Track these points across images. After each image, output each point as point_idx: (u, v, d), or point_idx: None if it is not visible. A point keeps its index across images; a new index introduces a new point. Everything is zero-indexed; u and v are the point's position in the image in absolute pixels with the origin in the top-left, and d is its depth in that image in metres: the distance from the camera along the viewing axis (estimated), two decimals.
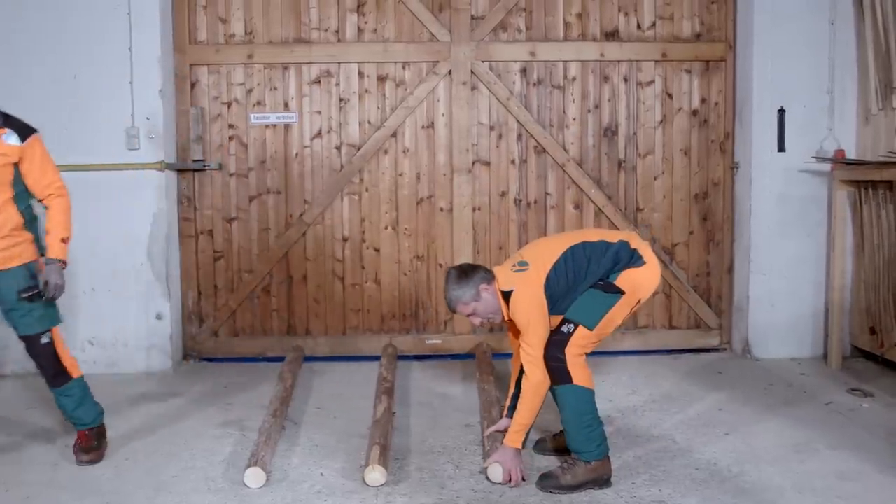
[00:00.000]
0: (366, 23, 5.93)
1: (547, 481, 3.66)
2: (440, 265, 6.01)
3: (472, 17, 5.92)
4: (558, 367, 3.63)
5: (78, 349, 5.61)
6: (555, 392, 3.71)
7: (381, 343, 5.95)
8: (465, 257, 5.95)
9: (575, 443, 3.68)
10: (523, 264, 3.77)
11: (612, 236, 3.84)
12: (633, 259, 3.73)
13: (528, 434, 3.79)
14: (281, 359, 5.64)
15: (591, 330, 3.65)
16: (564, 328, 3.66)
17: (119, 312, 5.63)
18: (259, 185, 5.95)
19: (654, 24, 5.98)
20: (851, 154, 5.72)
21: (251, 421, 4.57)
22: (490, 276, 3.81)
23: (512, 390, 4.05)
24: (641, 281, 3.74)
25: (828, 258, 5.77)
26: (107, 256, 5.60)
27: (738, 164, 5.97)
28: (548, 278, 3.72)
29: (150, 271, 5.63)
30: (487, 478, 3.73)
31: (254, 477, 3.68)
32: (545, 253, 3.80)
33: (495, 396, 4.68)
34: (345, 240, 6.00)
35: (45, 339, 4.03)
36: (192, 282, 5.96)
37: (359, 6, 5.91)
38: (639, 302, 3.80)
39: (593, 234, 3.87)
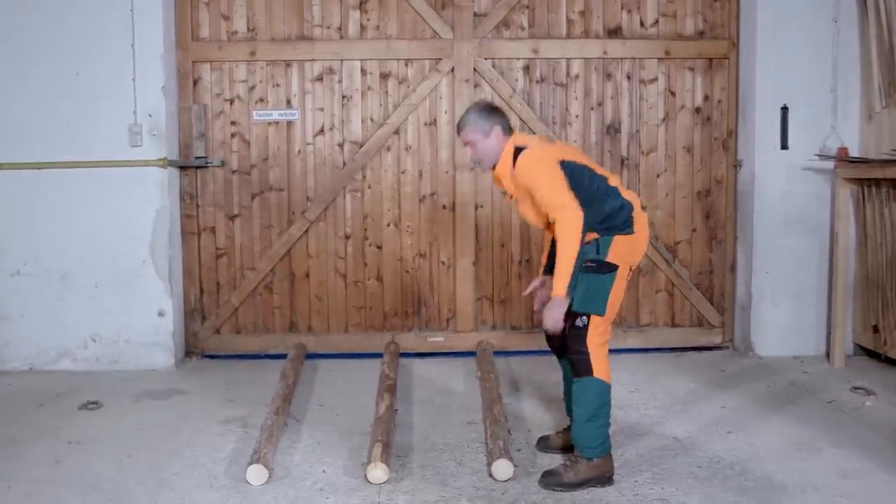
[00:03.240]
0: (368, 20, 5.92)
1: (550, 478, 3.66)
2: (442, 263, 6.01)
3: (475, 15, 5.92)
4: (581, 359, 3.64)
5: (80, 346, 5.63)
6: (576, 384, 3.70)
7: (383, 340, 5.95)
8: (467, 255, 5.95)
9: (580, 437, 3.69)
10: (550, 139, 3.74)
11: (624, 192, 3.79)
12: (625, 226, 3.70)
13: (573, 280, 3.63)
14: (283, 356, 5.64)
15: (602, 315, 3.66)
16: (578, 322, 3.65)
17: (121, 309, 5.64)
18: (261, 182, 5.95)
19: (657, 22, 5.97)
20: (855, 152, 5.71)
21: (253, 418, 4.56)
22: (509, 129, 3.83)
23: (547, 248, 4.04)
24: (630, 249, 3.72)
25: (830, 256, 5.76)
26: (109, 253, 5.61)
27: (741, 161, 5.96)
28: (564, 164, 3.68)
29: (153, 268, 5.63)
30: (491, 475, 3.73)
31: (256, 474, 3.68)
32: (576, 153, 3.86)
33: (497, 394, 4.68)
34: (347, 237, 6.00)
35: None
36: (194, 279, 5.96)
37: (361, 3, 5.90)
38: (630, 269, 3.81)
39: (614, 179, 3.82)
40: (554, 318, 3.63)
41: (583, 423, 3.67)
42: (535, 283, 4.07)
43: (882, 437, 4.22)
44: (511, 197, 3.86)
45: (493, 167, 3.84)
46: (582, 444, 3.68)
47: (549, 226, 3.78)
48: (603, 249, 3.69)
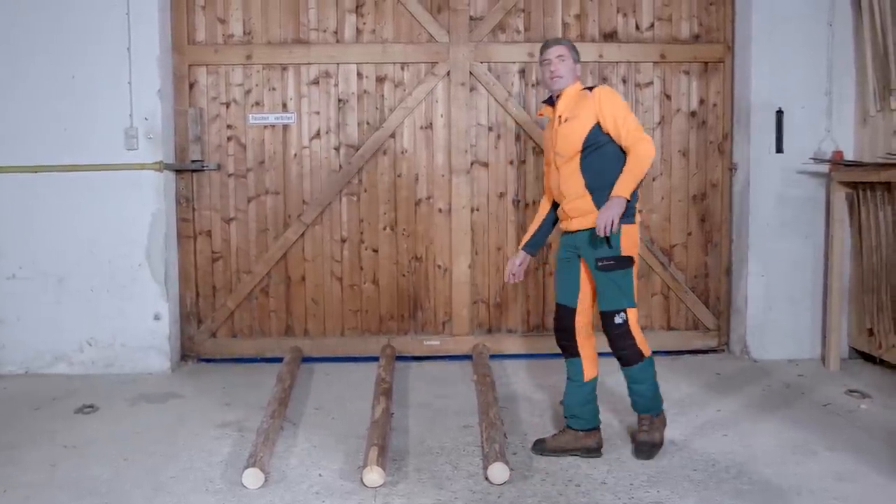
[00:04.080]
0: (364, 24, 5.93)
1: (645, 446, 4.01)
2: (438, 266, 6.01)
3: (471, 18, 5.92)
4: (632, 350, 3.91)
5: (76, 349, 5.63)
6: (629, 371, 3.97)
7: (379, 344, 5.95)
8: (463, 258, 5.96)
9: (646, 405, 4.02)
10: None
11: None
12: (631, 213, 3.88)
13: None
14: (279, 359, 5.65)
15: (636, 306, 3.94)
16: (618, 319, 3.88)
17: (117, 313, 5.64)
18: (257, 185, 5.95)
19: (652, 26, 5.99)
20: (849, 155, 5.72)
21: (249, 422, 4.57)
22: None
23: (535, 227, 4.25)
24: (634, 239, 3.92)
25: (826, 259, 5.78)
26: (105, 257, 5.61)
27: (737, 165, 5.97)
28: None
29: (149, 272, 5.63)
30: (487, 478, 3.73)
31: (252, 478, 3.68)
32: None
33: (493, 397, 4.69)
34: (343, 241, 6.00)
35: None
36: (190, 282, 5.96)
37: (357, 7, 5.91)
38: None
39: None
40: (608, 217, 3.69)
41: (648, 395, 4.00)
42: (516, 261, 4.24)
43: (877, 441, 4.23)
44: (560, 119, 3.97)
45: (549, 99, 4.09)
46: (649, 409, 4.03)
47: (559, 171, 3.97)
48: (615, 242, 3.84)
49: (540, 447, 4.09)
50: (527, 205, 6.00)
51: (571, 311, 4.03)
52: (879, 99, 5.50)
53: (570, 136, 3.90)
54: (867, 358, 5.68)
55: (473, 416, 4.63)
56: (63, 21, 5.51)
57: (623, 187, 3.74)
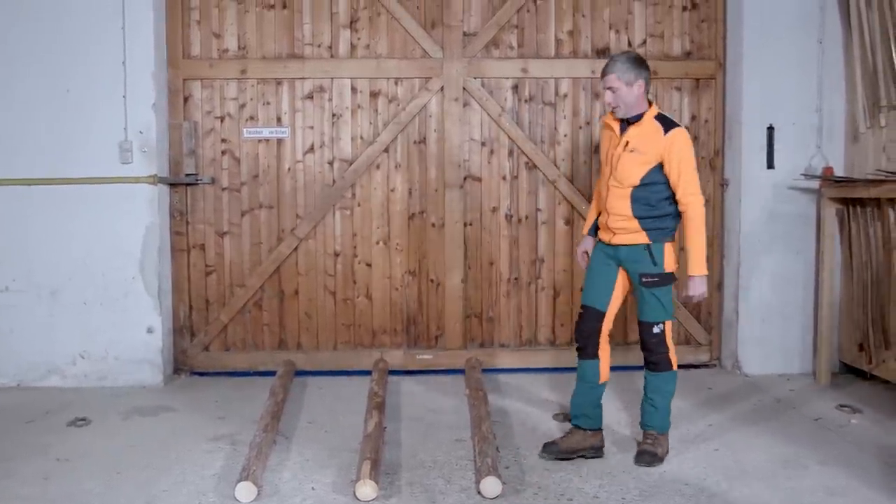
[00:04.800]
0: (359, 39, 5.96)
1: (647, 457, 4.12)
2: (431, 280, 6.03)
3: (465, 34, 5.96)
4: (663, 358, 4.18)
5: (69, 362, 5.62)
6: (655, 378, 4.21)
7: (372, 358, 5.95)
8: (456, 272, 5.98)
9: (656, 420, 4.22)
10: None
11: None
12: (672, 231, 4.19)
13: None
14: (272, 373, 5.64)
15: (673, 319, 4.22)
16: (656, 329, 4.15)
17: (110, 326, 5.63)
18: (251, 199, 5.96)
19: (644, 42, 6.03)
20: (840, 172, 5.76)
21: (242, 435, 4.57)
22: (649, 85, 4.14)
23: (593, 216, 4.45)
24: (674, 256, 4.21)
25: (816, 275, 5.81)
26: (98, 270, 5.61)
27: (728, 181, 6.01)
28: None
29: (142, 285, 5.63)
30: (479, 492, 3.74)
31: (245, 491, 3.68)
32: None
33: (485, 411, 4.69)
34: (336, 255, 6.01)
35: None
36: (183, 296, 5.96)
37: (352, 22, 5.94)
38: None
39: None
40: (702, 294, 4.17)
41: (661, 408, 4.21)
42: (588, 247, 4.44)
43: (867, 455, 4.25)
44: (627, 146, 4.07)
45: (613, 116, 4.16)
46: (660, 424, 4.23)
47: (609, 190, 4.13)
48: (658, 259, 4.09)
49: (551, 449, 4.18)
50: (519, 220, 6.03)
51: (601, 315, 4.21)
52: (869, 116, 5.55)
53: (631, 169, 4.04)
54: (858, 373, 5.70)
55: (466, 430, 4.64)
56: (58, 35, 5.52)
57: (698, 264, 4.10)
